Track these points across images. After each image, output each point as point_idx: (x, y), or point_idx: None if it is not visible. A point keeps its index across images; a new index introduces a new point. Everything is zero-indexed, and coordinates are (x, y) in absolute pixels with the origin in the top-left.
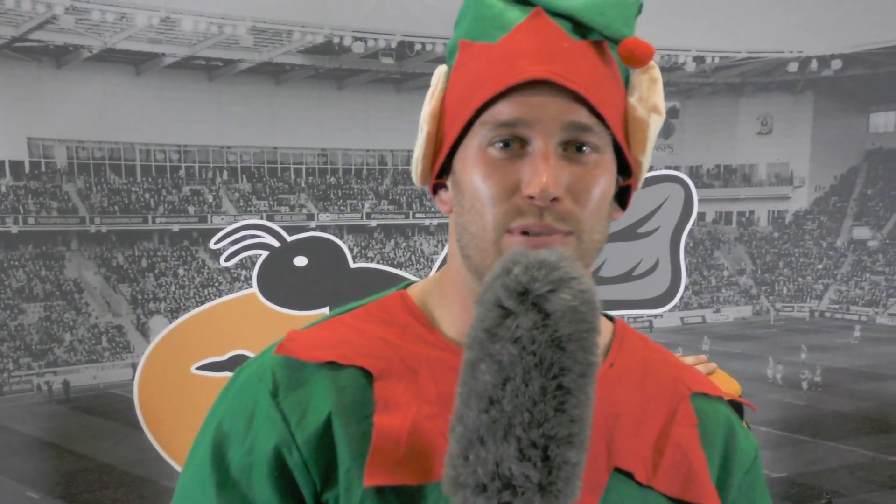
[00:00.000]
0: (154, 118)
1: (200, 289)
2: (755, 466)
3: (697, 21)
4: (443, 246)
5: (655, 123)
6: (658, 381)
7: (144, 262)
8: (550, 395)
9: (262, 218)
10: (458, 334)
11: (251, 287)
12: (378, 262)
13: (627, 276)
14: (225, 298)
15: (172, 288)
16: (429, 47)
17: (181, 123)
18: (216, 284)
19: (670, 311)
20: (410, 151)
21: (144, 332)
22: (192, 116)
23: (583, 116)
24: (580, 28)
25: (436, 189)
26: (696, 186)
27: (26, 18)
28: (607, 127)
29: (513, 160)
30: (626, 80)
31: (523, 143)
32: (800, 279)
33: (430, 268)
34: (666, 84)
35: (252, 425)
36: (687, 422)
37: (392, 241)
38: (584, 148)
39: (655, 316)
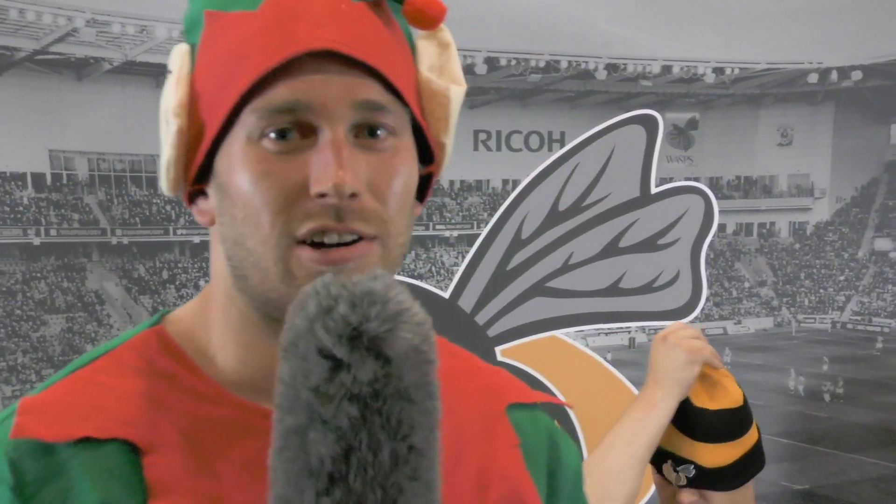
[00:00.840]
0: None
1: None
2: (579, 480)
3: (716, 32)
4: (463, 257)
5: (457, 97)
6: (467, 396)
7: (165, 274)
8: (403, 462)
9: None
10: (235, 376)
11: None
12: (398, 274)
13: (648, 288)
14: None
15: None
16: None
17: None
18: None
19: (691, 322)
20: None
21: None
22: None
23: (375, 93)
24: None
25: (192, 197)
26: (717, 198)
27: (47, 31)
28: (405, 104)
29: (293, 154)
30: (412, 48)
31: (305, 131)
32: (821, 290)
33: (451, 279)
34: (685, 95)
35: None
36: (507, 443)
37: (412, 252)
38: (379, 131)
39: None
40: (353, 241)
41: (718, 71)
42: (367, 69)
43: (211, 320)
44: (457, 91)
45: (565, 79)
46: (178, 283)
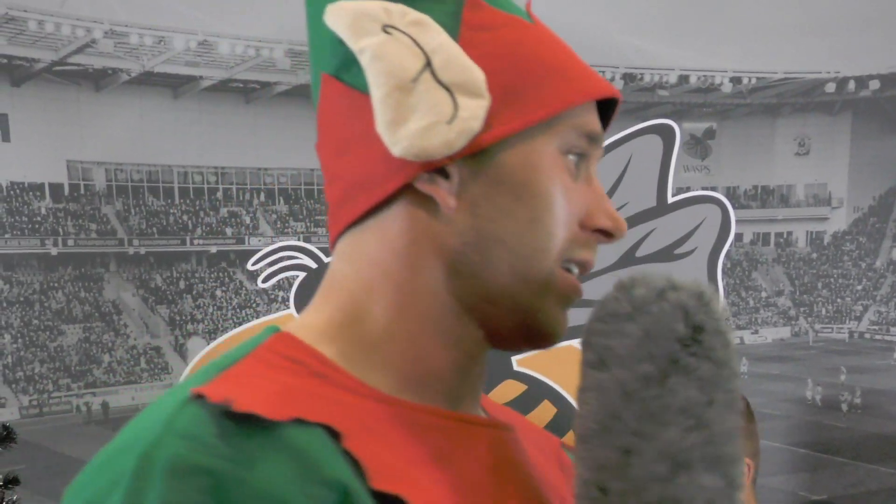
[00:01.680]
0: (191, 140)
1: (238, 310)
2: None
3: (734, 42)
4: None
5: None
6: (532, 431)
7: (182, 284)
8: (735, 435)
9: (299, 239)
10: (394, 376)
11: (288, 308)
12: None
13: None
14: (262, 319)
15: (210, 309)
16: None
17: (218, 146)
18: (254, 306)
19: None
20: None
21: (182, 354)
22: (230, 139)
23: None
24: None
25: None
26: (734, 207)
27: (66, 42)
28: None
29: (579, 180)
30: None
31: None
32: (839, 300)
33: None
34: (702, 105)
35: None
36: (570, 475)
37: None
38: None
39: None
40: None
41: (736, 80)
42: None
43: (373, 320)
44: None
45: None
46: (194, 292)
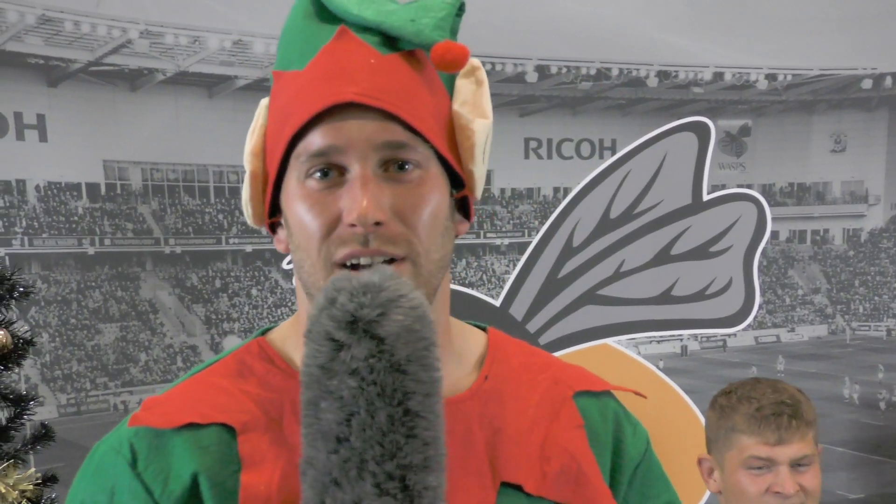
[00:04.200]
0: (226, 140)
1: (273, 309)
2: (646, 460)
3: (769, 39)
4: (514, 266)
5: (482, 129)
6: (537, 385)
7: (218, 283)
8: (399, 423)
9: None
10: None
11: None
12: (449, 282)
13: (700, 296)
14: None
15: (246, 308)
16: (498, 67)
17: None
18: (289, 304)
19: (744, 330)
20: None
21: (218, 352)
22: None
23: (397, 134)
24: (389, 40)
25: (273, 228)
26: (769, 205)
27: (102, 43)
28: (426, 140)
29: (332, 190)
30: (453, 87)
31: (342, 170)
32: (876, 298)
33: (502, 287)
34: (737, 102)
35: (114, 502)
36: (572, 423)
37: (463, 260)
38: (406, 166)
39: (729, 335)
40: (388, 262)
41: (771, 77)
42: (388, 114)
43: (299, 330)
44: (481, 124)
45: (616, 86)
46: (230, 291)
